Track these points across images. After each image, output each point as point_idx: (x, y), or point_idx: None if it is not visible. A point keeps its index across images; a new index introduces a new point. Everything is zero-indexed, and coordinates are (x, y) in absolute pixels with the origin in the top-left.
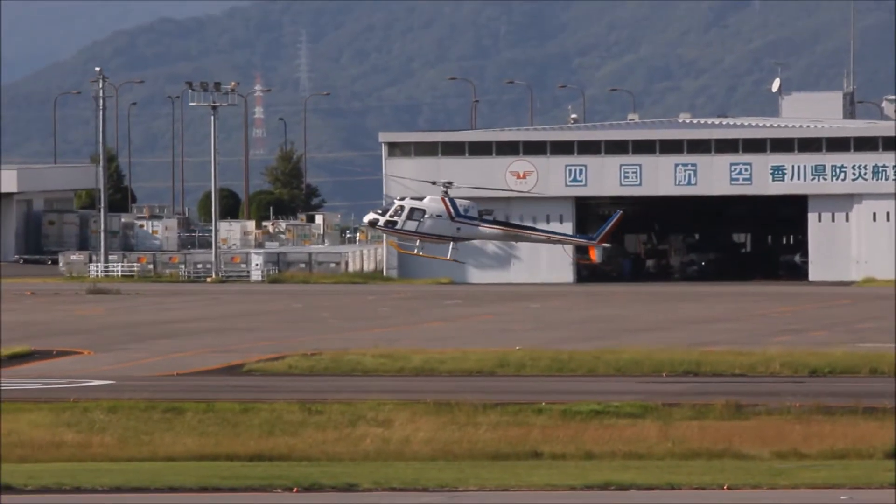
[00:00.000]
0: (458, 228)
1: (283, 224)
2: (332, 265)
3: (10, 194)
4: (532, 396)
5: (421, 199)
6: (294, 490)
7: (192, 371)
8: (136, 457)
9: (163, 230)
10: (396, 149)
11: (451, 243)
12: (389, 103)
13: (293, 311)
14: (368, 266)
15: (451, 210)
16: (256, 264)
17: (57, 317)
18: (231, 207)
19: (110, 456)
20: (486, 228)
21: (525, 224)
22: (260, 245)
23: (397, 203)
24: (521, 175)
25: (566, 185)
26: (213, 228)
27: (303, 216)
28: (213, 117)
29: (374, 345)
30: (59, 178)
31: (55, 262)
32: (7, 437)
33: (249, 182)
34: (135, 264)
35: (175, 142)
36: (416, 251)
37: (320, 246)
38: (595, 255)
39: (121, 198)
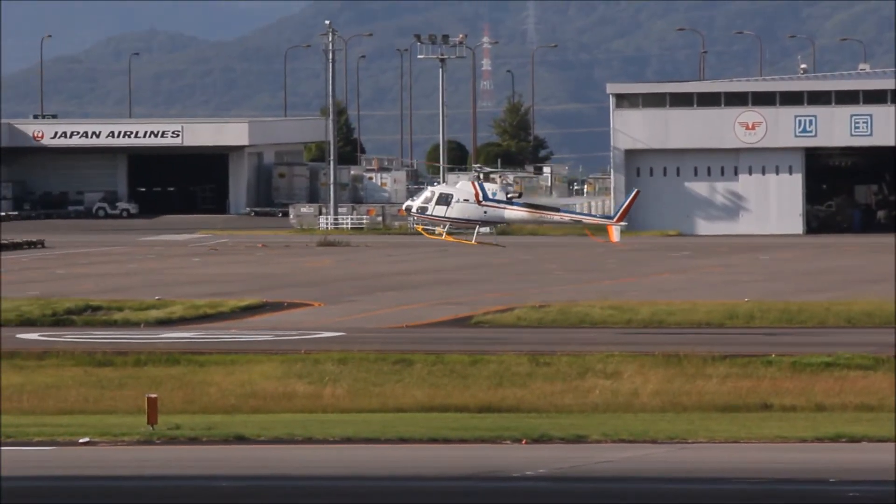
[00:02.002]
0: (485, 212)
1: (510, 176)
2: None
3: (241, 147)
4: (761, 348)
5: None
6: (523, 441)
7: (421, 323)
8: (366, 408)
9: (391, 182)
10: (624, 100)
11: (478, 227)
12: (617, 55)
13: (521, 262)
14: None
15: (480, 194)
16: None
17: (288, 269)
18: (459, 159)
19: (341, 407)
20: (511, 211)
21: (548, 205)
22: None
23: (429, 189)
24: (750, 126)
25: (795, 136)
26: (441, 180)
27: (530, 168)
28: (441, 70)
29: (602, 297)
30: (289, 131)
31: (285, 214)
32: (240, 387)
33: (477, 134)
34: (364, 217)
35: (403, 94)
36: (442, 236)
37: (548, 198)
38: (613, 235)
39: (350, 150)
